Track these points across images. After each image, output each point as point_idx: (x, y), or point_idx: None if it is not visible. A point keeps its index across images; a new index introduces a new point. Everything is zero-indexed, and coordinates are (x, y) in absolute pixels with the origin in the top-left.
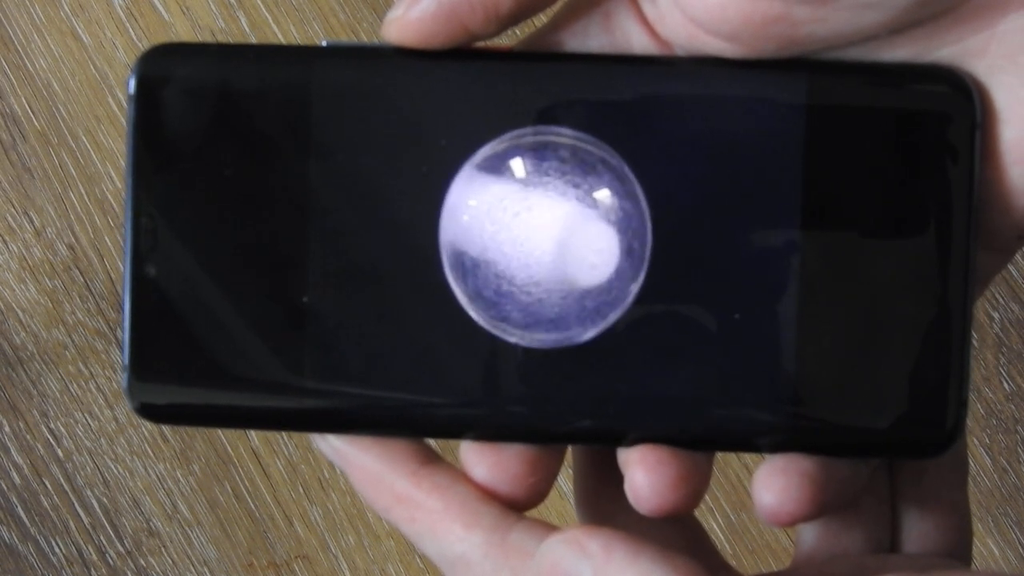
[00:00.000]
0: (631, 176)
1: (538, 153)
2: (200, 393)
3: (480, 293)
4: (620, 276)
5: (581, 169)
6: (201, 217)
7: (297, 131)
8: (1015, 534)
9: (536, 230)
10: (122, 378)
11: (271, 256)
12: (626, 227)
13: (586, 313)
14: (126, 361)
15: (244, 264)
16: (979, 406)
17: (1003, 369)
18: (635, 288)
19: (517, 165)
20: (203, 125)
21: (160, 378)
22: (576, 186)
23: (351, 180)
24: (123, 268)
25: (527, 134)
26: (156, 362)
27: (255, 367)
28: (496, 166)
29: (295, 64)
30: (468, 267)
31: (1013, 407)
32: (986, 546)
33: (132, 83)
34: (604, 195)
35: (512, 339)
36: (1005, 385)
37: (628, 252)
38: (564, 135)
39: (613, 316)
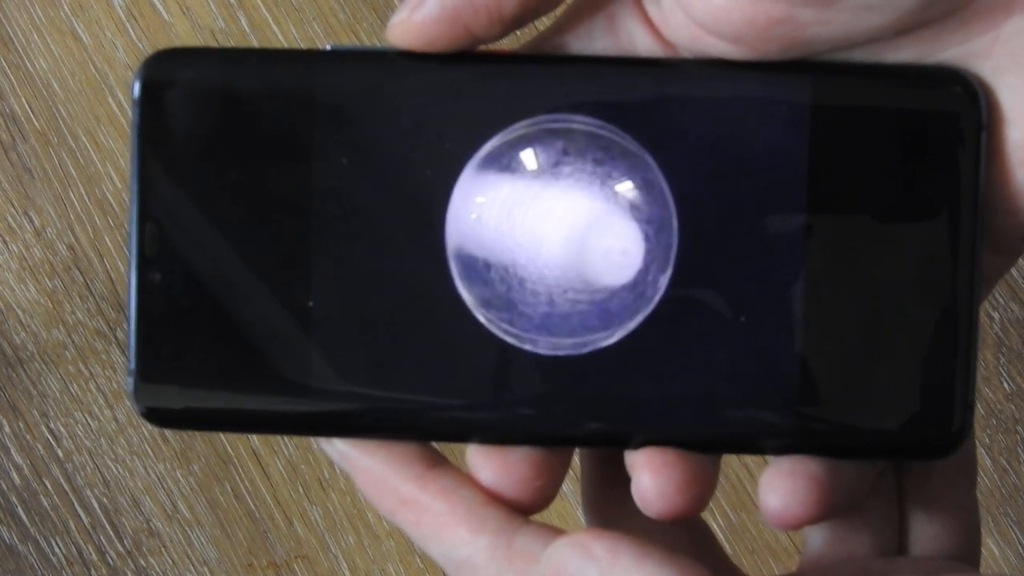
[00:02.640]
0: (655, 167)
1: (552, 143)
2: (206, 397)
3: (490, 297)
4: (644, 276)
5: (600, 159)
6: (206, 221)
7: (302, 135)
8: (1015, 534)
9: (552, 227)
10: (127, 383)
11: (277, 260)
12: (650, 222)
13: (608, 316)
14: (132, 366)
15: (249, 268)
16: (979, 406)
17: (1003, 369)
18: (661, 288)
19: (528, 157)
20: (207, 129)
21: (166, 382)
22: (595, 178)
23: (357, 184)
24: (128, 273)
25: (538, 123)
26: (162, 367)
27: (261, 371)
28: (506, 159)
29: (300, 68)
30: (477, 270)
31: (1013, 407)
32: (986, 546)
33: (136, 88)
34: (626, 187)
35: (521, 344)
36: (1005, 385)
37: (652, 250)
38: (579, 122)
39: (638, 319)
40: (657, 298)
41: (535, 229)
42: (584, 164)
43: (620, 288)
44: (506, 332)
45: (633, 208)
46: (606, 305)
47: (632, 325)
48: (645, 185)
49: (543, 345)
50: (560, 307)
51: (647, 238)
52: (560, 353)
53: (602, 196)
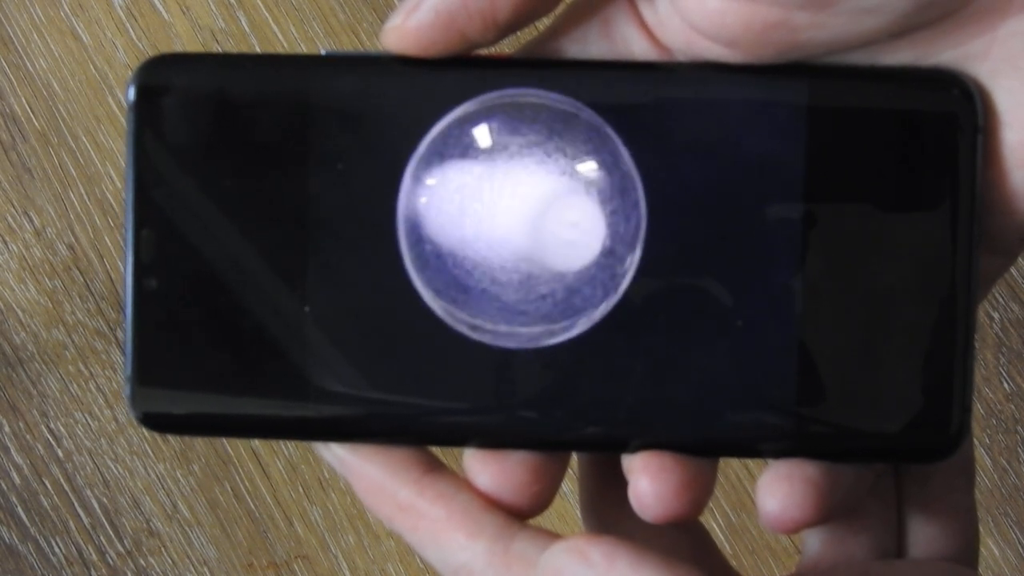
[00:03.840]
0: (620, 146)
1: (508, 117)
2: (203, 402)
3: (443, 286)
4: (606, 262)
5: (559, 134)
6: (201, 227)
7: (297, 141)
8: (1015, 534)
9: (506, 209)
10: (124, 389)
11: (271, 265)
12: (613, 200)
13: (570, 301)
14: (129, 372)
15: (245, 273)
16: (979, 406)
17: (1003, 369)
18: (628, 273)
19: (481, 133)
20: (202, 135)
21: (163, 388)
22: (554, 154)
23: (351, 189)
24: (125, 280)
25: (492, 98)
26: (159, 373)
27: (257, 377)
28: (455, 139)
29: (294, 73)
30: (433, 263)
31: (1013, 407)
32: (986, 546)
33: (131, 94)
34: (587, 166)
35: (481, 336)
36: (1005, 385)
37: (615, 229)
38: (542, 97)
39: (605, 305)
40: (622, 289)
41: (487, 211)
42: (542, 141)
43: (580, 272)
44: (466, 324)
45: (594, 189)
46: (567, 291)
47: (597, 315)
48: (608, 164)
49: (505, 336)
50: (520, 294)
51: (609, 221)
52: (524, 345)
53: (559, 174)
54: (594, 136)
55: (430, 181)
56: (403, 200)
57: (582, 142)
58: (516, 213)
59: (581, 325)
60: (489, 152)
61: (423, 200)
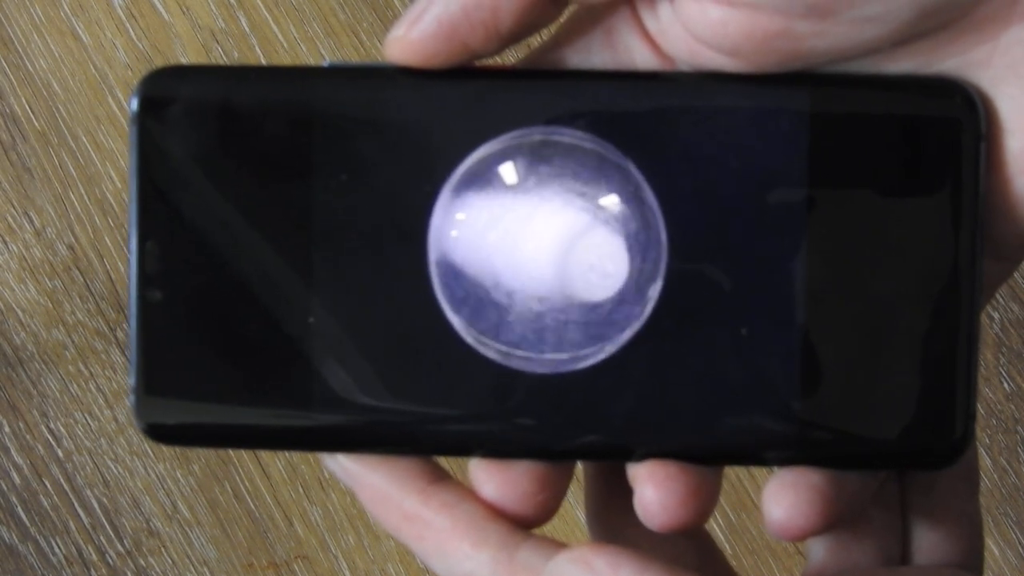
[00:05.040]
0: (642, 179)
1: (532, 156)
2: (208, 413)
3: (474, 314)
4: (631, 289)
5: (583, 173)
6: (206, 238)
7: (302, 152)
8: (1015, 534)
9: (532, 243)
10: (129, 399)
11: (277, 276)
12: (636, 235)
13: (596, 332)
14: (134, 383)
15: (251, 284)
16: (979, 406)
17: (1003, 369)
18: (649, 302)
19: (508, 171)
20: (206, 147)
21: (168, 400)
22: (578, 192)
23: (355, 200)
24: (129, 291)
25: (519, 136)
26: (164, 384)
27: (263, 388)
28: (485, 174)
29: (298, 85)
30: (462, 290)
31: (1013, 407)
32: (986, 546)
33: (135, 105)
34: (611, 201)
35: (508, 362)
36: (1005, 385)
37: (639, 263)
38: (562, 135)
39: (628, 332)
40: (647, 312)
41: (516, 246)
42: (566, 177)
43: (606, 303)
44: (493, 349)
45: (617, 222)
46: (593, 320)
47: (622, 340)
48: (630, 198)
49: (533, 362)
50: (546, 324)
51: (632, 252)
52: (550, 371)
53: (584, 210)
54: (617, 172)
55: (459, 216)
56: (433, 235)
57: (606, 178)
58: (544, 247)
59: (607, 350)
60: (516, 188)
61: (454, 233)
